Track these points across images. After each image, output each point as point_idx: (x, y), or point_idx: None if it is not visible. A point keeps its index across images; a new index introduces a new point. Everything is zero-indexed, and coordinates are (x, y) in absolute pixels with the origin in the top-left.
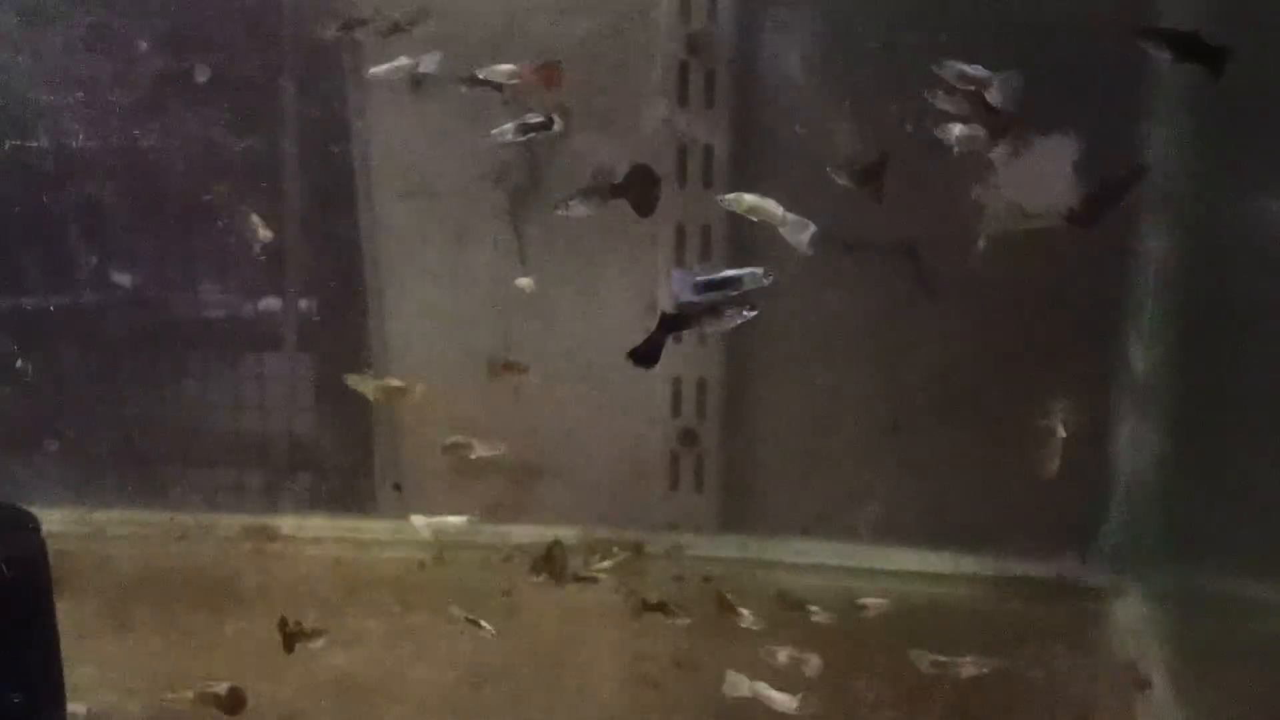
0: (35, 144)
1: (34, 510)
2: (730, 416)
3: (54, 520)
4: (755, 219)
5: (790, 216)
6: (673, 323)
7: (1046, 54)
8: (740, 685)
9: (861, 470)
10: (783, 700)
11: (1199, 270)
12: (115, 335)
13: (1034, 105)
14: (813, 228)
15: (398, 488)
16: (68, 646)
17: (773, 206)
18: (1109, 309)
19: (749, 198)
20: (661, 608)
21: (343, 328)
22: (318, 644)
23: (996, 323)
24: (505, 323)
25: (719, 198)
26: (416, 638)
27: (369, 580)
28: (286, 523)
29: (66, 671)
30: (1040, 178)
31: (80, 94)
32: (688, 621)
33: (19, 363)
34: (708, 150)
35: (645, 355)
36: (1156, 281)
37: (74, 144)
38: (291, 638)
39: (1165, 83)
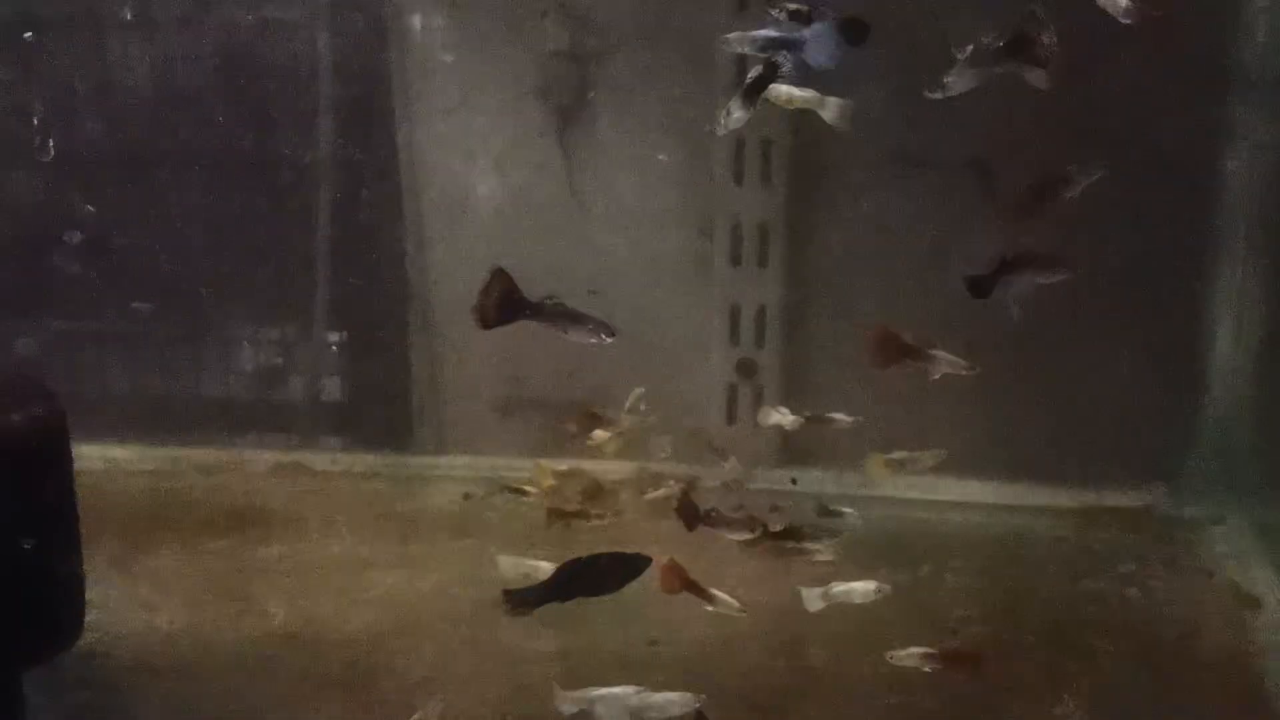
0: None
1: None
2: (791, 345)
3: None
4: (793, 108)
5: (830, 99)
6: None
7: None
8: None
9: (932, 400)
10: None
11: None
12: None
13: None
14: (851, 104)
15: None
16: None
17: (809, 93)
18: (1200, 227)
19: (785, 89)
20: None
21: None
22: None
23: (1079, 240)
24: (557, 256)
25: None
26: (463, 563)
27: (413, 511)
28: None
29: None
30: None
31: (125, 104)
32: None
33: None
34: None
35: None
36: (1251, 198)
37: (126, 146)
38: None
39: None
